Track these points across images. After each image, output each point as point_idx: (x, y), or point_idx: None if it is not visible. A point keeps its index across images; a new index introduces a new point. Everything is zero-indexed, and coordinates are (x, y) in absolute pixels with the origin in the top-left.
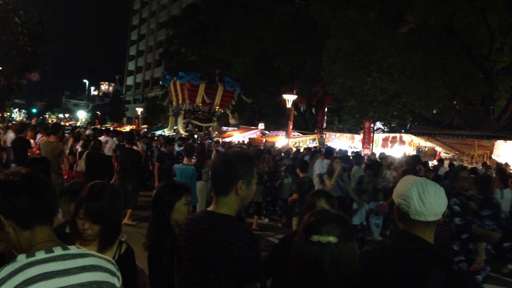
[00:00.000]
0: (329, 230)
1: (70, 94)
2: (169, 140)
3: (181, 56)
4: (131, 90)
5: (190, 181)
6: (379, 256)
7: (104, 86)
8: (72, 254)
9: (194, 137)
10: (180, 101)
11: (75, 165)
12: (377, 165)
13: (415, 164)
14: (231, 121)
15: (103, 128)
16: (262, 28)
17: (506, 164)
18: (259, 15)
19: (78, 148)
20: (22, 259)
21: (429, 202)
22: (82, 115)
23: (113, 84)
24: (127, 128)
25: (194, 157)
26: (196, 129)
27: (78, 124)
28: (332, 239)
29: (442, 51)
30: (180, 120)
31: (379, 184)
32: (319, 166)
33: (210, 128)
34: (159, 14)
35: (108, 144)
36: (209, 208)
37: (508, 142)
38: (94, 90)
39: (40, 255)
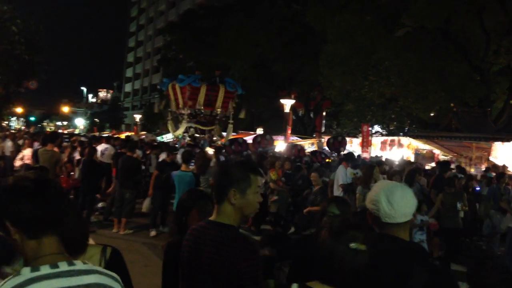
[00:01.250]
0: (358, 238)
1: (68, 102)
2: (171, 149)
3: (179, 62)
4: (129, 97)
5: (188, 187)
6: None
7: (102, 93)
8: (77, 270)
9: (197, 142)
10: (180, 105)
11: (72, 173)
12: (413, 172)
13: (444, 171)
14: (241, 115)
15: (97, 135)
16: (260, 34)
17: (504, 166)
18: (256, 20)
19: (76, 155)
20: (26, 273)
21: (397, 204)
22: (80, 122)
23: (111, 91)
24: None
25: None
26: (198, 134)
27: (77, 131)
28: (363, 247)
29: (438, 53)
30: (183, 125)
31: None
32: (343, 175)
33: (213, 132)
34: (157, 20)
35: (107, 151)
36: (210, 218)
37: (506, 143)
38: (92, 98)
39: (45, 269)
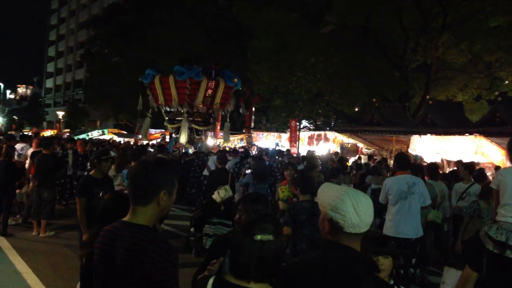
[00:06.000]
0: (267, 229)
1: None
2: (100, 154)
3: (103, 57)
4: (51, 93)
5: None
6: (309, 268)
7: (21, 89)
8: None
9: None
10: (174, 102)
11: None
12: None
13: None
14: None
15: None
16: (186, 29)
17: (421, 158)
18: (182, 15)
19: None
20: None
21: (363, 214)
22: None
23: (31, 87)
24: (48, 133)
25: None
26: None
27: None
28: (271, 237)
29: (360, 51)
30: (185, 126)
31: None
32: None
33: (207, 132)
34: (79, 13)
35: (24, 150)
36: (125, 218)
37: (423, 136)
38: (10, 94)
39: None
